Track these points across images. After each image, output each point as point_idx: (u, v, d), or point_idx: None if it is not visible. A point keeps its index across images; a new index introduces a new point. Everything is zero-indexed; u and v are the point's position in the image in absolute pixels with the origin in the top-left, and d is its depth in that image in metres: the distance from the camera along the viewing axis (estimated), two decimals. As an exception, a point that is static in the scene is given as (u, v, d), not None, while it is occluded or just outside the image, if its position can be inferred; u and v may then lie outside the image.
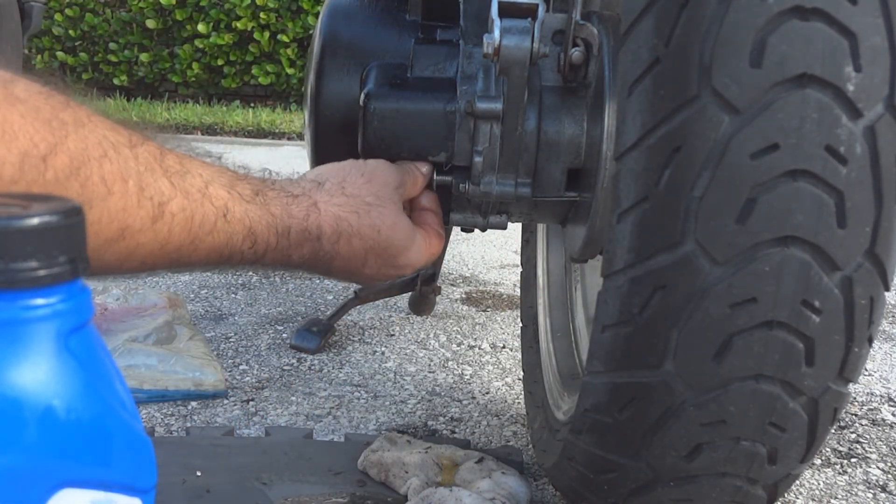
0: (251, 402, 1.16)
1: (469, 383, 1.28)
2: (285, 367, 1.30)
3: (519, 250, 1.40)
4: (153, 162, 0.55)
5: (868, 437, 1.14)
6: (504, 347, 1.46)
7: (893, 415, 1.22)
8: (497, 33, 0.67)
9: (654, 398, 0.60)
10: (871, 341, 0.60)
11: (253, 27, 5.33)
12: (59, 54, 5.58)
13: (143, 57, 5.52)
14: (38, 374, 0.33)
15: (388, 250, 0.72)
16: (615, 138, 0.59)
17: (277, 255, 0.65)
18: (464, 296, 1.81)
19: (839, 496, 0.97)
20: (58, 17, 5.49)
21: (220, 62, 5.48)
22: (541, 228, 1.22)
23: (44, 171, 0.48)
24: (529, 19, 0.68)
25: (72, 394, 0.34)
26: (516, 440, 1.08)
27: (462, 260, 2.19)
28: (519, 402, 1.21)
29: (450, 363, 1.37)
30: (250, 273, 1.87)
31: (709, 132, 0.54)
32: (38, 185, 0.48)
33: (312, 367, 1.31)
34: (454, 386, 1.26)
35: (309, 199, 0.68)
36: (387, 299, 1.66)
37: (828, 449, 1.09)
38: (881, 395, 1.30)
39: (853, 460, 1.06)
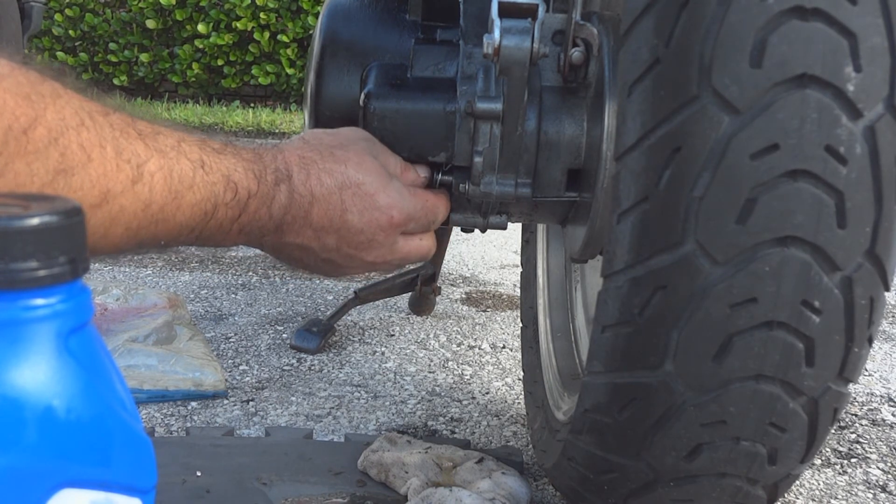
0: (251, 402, 1.16)
1: (469, 383, 1.28)
2: (285, 367, 1.30)
3: (519, 250, 1.40)
4: (126, 127, 0.57)
5: (868, 437, 1.14)
6: (504, 347, 1.46)
7: (893, 415, 1.22)
8: (497, 33, 0.67)
9: (654, 398, 0.60)
10: (871, 341, 0.60)
11: (253, 27, 5.33)
12: (59, 54, 5.58)
13: (143, 57, 5.52)
14: (38, 374, 0.33)
15: (361, 187, 0.70)
16: (615, 138, 0.59)
17: (259, 204, 0.65)
18: (464, 296, 1.81)
19: (839, 496, 0.97)
20: (58, 17, 5.50)
21: (220, 62, 5.48)
22: (541, 228, 1.22)
23: (26, 144, 0.49)
24: (529, 19, 0.68)
25: (72, 394, 0.34)
26: (516, 440, 1.08)
27: (462, 260, 2.19)
28: (519, 402, 1.21)
29: (450, 363, 1.37)
30: (250, 272, 1.87)
31: (709, 132, 0.54)
32: (21, 157, 0.49)
33: (312, 367, 1.31)
34: (454, 386, 1.26)
35: (273, 148, 0.71)
36: (387, 299, 1.66)
37: (828, 449, 1.09)
38: (881, 395, 1.30)
39: (853, 460, 1.06)
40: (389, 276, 1.52)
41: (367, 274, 1.71)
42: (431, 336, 1.51)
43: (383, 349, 1.42)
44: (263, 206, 0.66)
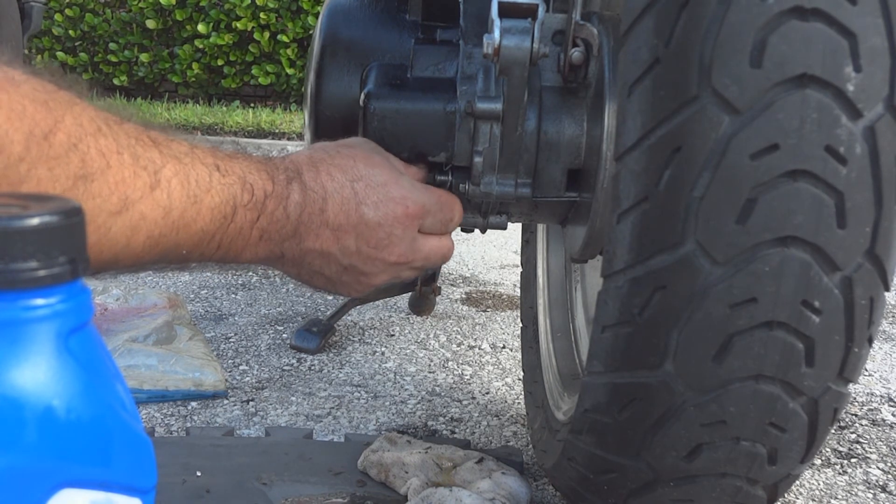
0: (251, 402, 1.16)
1: (469, 383, 1.28)
2: (285, 367, 1.30)
3: (519, 250, 1.40)
4: (140, 134, 0.57)
5: (868, 437, 1.14)
6: (504, 347, 1.46)
7: (893, 415, 1.22)
8: (497, 33, 0.67)
9: (654, 398, 0.60)
10: (871, 341, 0.60)
11: (253, 27, 5.32)
12: (59, 54, 5.58)
13: (143, 57, 5.52)
14: (38, 374, 0.33)
15: (373, 178, 0.70)
16: (615, 138, 0.59)
17: (276, 204, 0.65)
18: (464, 296, 1.81)
19: (839, 496, 0.97)
20: (58, 17, 5.49)
21: (220, 62, 5.48)
22: (541, 228, 1.22)
23: (47, 149, 0.49)
24: (529, 19, 0.68)
25: (72, 394, 0.34)
26: (516, 440, 1.08)
27: (462, 260, 2.19)
28: (519, 402, 1.21)
29: (450, 363, 1.37)
30: (250, 273, 1.87)
31: (709, 132, 0.54)
32: (43, 163, 0.49)
33: (312, 367, 1.31)
34: (454, 386, 1.26)
35: (280, 155, 0.71)
36: (387, 299, 1.66)
37: (828, 449, 1.09)
38: (881, 395, 1.30)
39: (853, 460, 1.06)
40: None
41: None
42: (431, 336, 1.51)
43: (383, 349, 1.42)
44: (280, 206, 0.66)
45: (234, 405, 1.15)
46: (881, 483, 1.00)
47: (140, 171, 0.55)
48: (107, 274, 0.61)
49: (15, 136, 0.48)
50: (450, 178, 0.78)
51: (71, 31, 5.56)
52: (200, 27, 5.37)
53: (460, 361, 1.38)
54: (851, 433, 1.15)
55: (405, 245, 0.71)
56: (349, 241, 0.69)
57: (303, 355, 1.36)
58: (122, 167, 0.54)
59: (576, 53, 0.72)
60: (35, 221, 0.33)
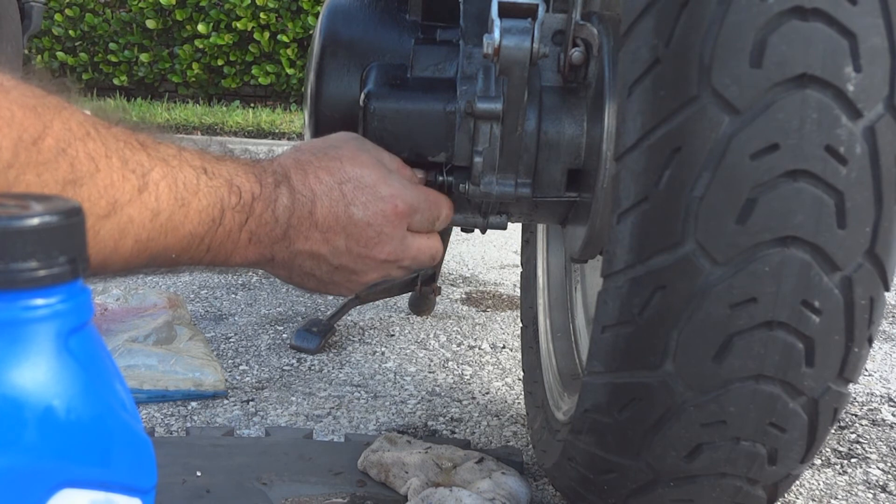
0: (251, 402, 1.16)
1: (469, 383, 1.28)
2: (285, 367, 1.31)
3: (519, 250, 1.40)
4: (129, 138, 0.57)
5: (868, 437, 1.14)
6: (504, 347, 1.46)
7: (893, 415, 1.22)
8: (497, 33, 0.67)
9: (654, 398, 0.60)
10: (871, 341, 0.60)
11: (253, 27, 5.33)
12: (59, 54, 5.58)
13: (143, 57, 5.52)
14: (38, 374, 0.33)
15: (361, 180, 0.70)
16: (615, 138, 0.59)
17: (264, 206, 0.65)
18: (464, 296, 1.81)
19: (839, 496, 0.97)
20: (58, 17, 5.50)
21: (220, 62, 5.48)
22: (541, 228, 1.22)
23: (36, 155, 0.49)
24: (529, 19, 0.68)
25: (72, 394, 0.34)
26: (516, 440, 1.08)
27: (462, 260, 2.19)
28: (519, 402, 1.21)
29: (450, 363, 1.37)
30: (250, 273, 1.87)
31: (709, 132, 0.54)
32: (32, 168, 0.49)
33: (312, 367, 1.31)
34: (454, 386, 1.26)
35: (267, 158, 0.71)
36: (387, 299, 1.66)
37: (828, 449, 1.09)
38: (881, 395, 1.30)
39: (853, 460, 1.06)
40: (389, 275, 1.52)
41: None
42: (431, 336, 1.51)
43: (383, 349, 1.42)
44: (268, 209, 0.66)
45: (234, 405, 1.15)
46: (881, 483, 1.00)
47: (128, 175, 0.55)
48: (96, 278, 0.61)
49: (3, 143, 0.48)
50: (446, 177, 0.78)
51: (71, 31, 5.56)
52: (200, 27, 5.37)
53: (460, 361, 1.38)
54: (851, 433, 1.15)
55: (395, 243, 0.72)
56: (339, 242, 0.70)
57: (303, 355, 1.36)
58: (110, 171, 0.54)
59: (576, 53, 0.72)
60: (35, 221, 0.33)
